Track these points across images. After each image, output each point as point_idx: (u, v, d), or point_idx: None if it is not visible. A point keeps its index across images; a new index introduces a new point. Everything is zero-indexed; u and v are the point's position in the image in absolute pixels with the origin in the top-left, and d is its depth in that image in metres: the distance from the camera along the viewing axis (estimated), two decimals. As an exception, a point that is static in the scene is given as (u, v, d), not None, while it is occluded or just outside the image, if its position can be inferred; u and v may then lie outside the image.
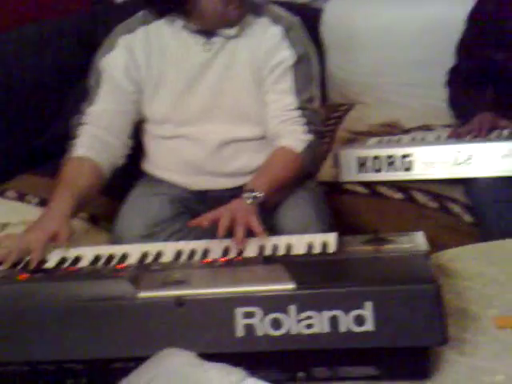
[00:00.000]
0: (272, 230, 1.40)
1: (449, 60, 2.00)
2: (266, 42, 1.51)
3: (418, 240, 1.17)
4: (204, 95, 1.53)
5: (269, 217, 1.45)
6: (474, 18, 1.90)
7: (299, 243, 1.21)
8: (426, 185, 1.74)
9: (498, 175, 1.60)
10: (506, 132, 1.70)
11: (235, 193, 1.40)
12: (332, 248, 1.17)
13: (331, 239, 1.20)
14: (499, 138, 1.68)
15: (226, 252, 1.20)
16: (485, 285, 1.17)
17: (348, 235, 1.22)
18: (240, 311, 0.95)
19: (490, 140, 1.67)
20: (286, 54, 1.50)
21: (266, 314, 0.94)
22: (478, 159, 1.61)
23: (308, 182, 1.57)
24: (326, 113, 2.33)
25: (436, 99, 2.10)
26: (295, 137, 1.49)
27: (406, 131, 2.09)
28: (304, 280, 0.98)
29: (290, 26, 1.53)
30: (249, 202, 1.32)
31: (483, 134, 1.69)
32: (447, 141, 1.75)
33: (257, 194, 1.34)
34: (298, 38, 1.53)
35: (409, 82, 2.29)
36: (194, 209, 1.55)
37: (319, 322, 0.94)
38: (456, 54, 1.97)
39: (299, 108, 1.50)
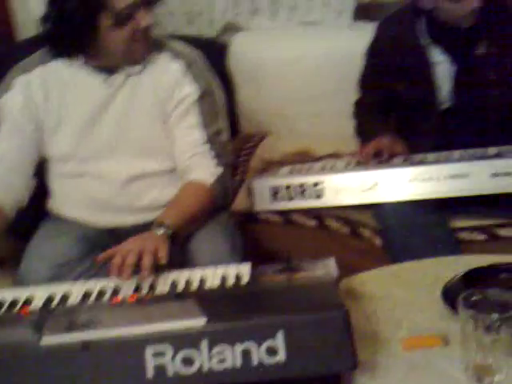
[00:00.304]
0: (185, 265, 1.38)
1: (354, 91, 2.08)
2: (168, 78, 1.51)
3: (329, 266, 1.19)
4: (107, 131, 1.51)
5: (181, 251, 1.43)
6: (373, 53, 1.98)
7: (213, 276, 1.21)
8: (337, 211, 1.77)
9: (403, 200, 1.65)
10: (412, 157, 1.78)
11: (145, 229, 1.38)
12: (245, 279, 1.17)
13: (245, 270, 1.21)
14: (404, 164, 1.74)
15: (137, 289, 1.18)
16: (393, 307, 1.21)
17: (264, 265, 1.22)
18: (150, 351, 0.93)
19: (394, 166, 1.73)
20: (190, 90, 1.51)
21: (177, 351, 0.93)
22: (383, 185, 1.66)
23: (221, 213, 1.57)
24: (240, 143, 2.36)
25: (345, 128, 2.16)
26: (205, 170, 1.50)
27: (317, 159, 2.14)
28: (215, 314, 0.98)
29: (191, 60, 1.54)
30: (159, 233, 1.32)
31: (385, 157, 1.75)
32: (355, 168, 1.80)
33: (167, 227, 1.33)
34: (200, 73, 1.54)
35: (318, 112, 2.35)
36: (103, 247, 1.49)
37: (231, 356, 0.93)
38: (358, 87, 2.05)
39: (207, 142, 1.52)
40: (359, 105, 2.07)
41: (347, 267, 1.64)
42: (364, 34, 2.03)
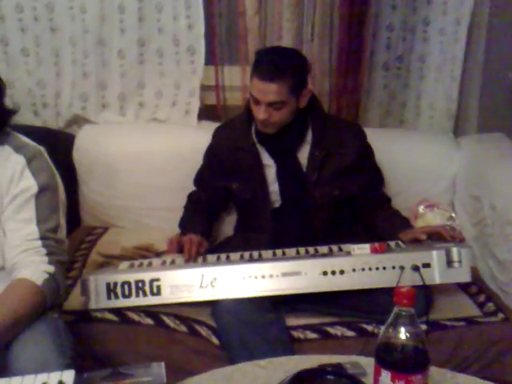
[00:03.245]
0: (5, 370, 1.28)
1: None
2: (8, 171, 1.48)
3: (157, 371, 1.16)
4: None
5: (1, 355, 1.32)
6: (209, 155, 2.09)
7: (32, 385, 1.12)
8: (175, 309, 1.74)
9: (240, 297, 1.67)
10: (249, 255, 1.82)
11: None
12: (68, 388, 1.10)
13: (68, 378, 1.13)
14: (240, 261, 1.78)
15: None
16: (223, 412, 1.18)
17: (95, 367, 1.16)
18: None
19: (232, 263, 1.76)
20: (28, 184, 1.49)
21: None
22: (221, 282, 1.68)
23: (49, 312, 1.48)
24: (80, 236, 2.28)
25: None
26: (35, 268, 1.45)
27: (159, 254, 2.13)
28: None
29: (33, 155, 1.52)
30: None
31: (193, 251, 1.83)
32: (193, 264, 1.80)
33: None
34: (41, 167, 1.52)
35: (163, 206, 2.36)
36: None
37: None
38: (194, 183, 2.15)
39: (41, 238, 1.48)
40: (189, 198, 2.16)
41: (183, 368, 1.62)
42: (208, 133, 2.13)
